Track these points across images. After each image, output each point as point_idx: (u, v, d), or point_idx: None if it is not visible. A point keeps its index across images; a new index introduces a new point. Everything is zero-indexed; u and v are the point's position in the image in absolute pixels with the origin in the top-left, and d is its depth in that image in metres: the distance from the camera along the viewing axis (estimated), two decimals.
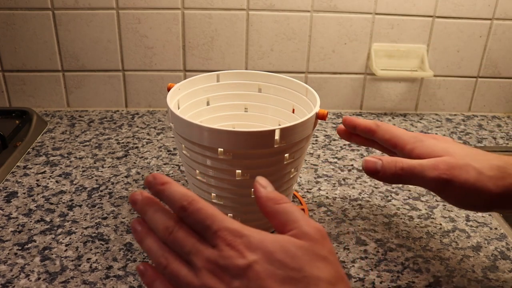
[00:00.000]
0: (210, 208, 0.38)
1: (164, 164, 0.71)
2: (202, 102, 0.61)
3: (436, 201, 0.65)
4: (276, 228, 0.39)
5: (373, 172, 0.46)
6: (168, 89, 0.56)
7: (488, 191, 0.43)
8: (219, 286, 0.35)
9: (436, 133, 0.84)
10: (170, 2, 0.81)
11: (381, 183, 0.68)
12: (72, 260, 0.52)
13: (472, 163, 0.44)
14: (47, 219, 0.59)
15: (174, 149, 0.76)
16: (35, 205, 0.61)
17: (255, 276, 0.34)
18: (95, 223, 0.58)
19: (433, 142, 0.47)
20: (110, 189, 0.65)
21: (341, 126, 0.55)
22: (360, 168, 0.72)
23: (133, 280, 0.50)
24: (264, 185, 0.41)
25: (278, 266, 0.35)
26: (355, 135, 0.54)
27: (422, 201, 0.65)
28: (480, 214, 0.62)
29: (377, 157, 0.46)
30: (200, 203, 0.38)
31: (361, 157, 0.75)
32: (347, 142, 0.79)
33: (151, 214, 0.40)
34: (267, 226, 0.57)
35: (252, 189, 0.51)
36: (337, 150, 0.77)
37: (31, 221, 0.58)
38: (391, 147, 0.50)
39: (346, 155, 0.75)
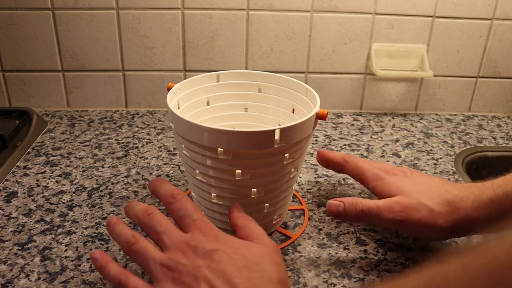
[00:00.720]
0: (194, 204, 0.46)
1: (164, 164, 0.71)
2: (202, 102, 0.61)
3: None
4: (241, 238, 0.46)
5: (335, 214, 0.51)
6: (168, 89, 0.56)
7: (439, 226, 0.48)
8: (183, 261, 0.41)
9: (436, 133, 0.84)
10: (170, 2, 0.81)
11: None
12: (72, 260, 0.52)
13: (424, 201, 0.48)
14: (47, 219, 0.59)
15: (174, 149, 0.76)
16: (35, 205, 0.61)
17: (218, 259, 0.41)
18: (95, 223, 0.58)
19: (391, 181, 0.52)
20: (110, 189, 0.65)
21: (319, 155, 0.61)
22: None
23: None
24: (238, 208, 0.50)
25: (240, 258, 0.41)
26: (328, 164, 0.60)
27: None
28: None
29: (339, 199, 0.51)
30: (188, 198, 0.46)
31: (361, 157, 0.75)
32: (347, 142, 0.79)
33: (135, 203, 0.48)
34: (267, 227, 0.57)
35: (252, 189, 0.51)
36: (337, 150, 0.77)
37: (31, 221, 0.58)
38: (359, 182, 0.56)
39: None
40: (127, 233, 0.45)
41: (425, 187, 0.50)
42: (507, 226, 0.27)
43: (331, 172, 0.70)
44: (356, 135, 0.82)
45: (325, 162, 0.59)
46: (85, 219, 0.59)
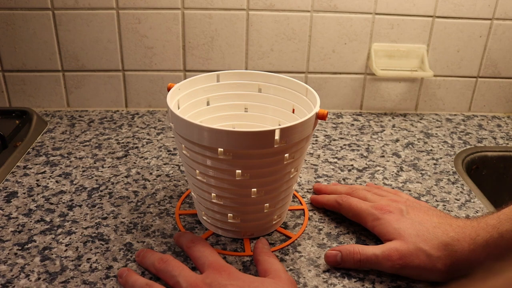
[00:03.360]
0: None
1: (164, 164, 0.71)
2: (202, 102, 0.61)
3: (436, 201, 0.65)
4: (260, 271, 0.49)
5: (334, 264, 0.52)
6: (168, 89, 0.56)
7: (437, 270, 0.49)
8: None
9: (436, 133, 0.84)
10: (170, 2, 0.81)
11: (380, 183, 0.68)
12: (72, 260, 0.52)
13: (421, 245, 0.49)
14: (47, 219, 0.59)
15: (174, 149, 0.76)
16: (35, 205, 0.61)
17: None
18: (95, 223, 0.58)
19: (389, 221, 0.53)
20: (110, 189, 0.65)
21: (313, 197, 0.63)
22: (360, 168, 0.72)
23: None
24: (263, 243, 0.54)
25: None
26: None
27: (422, 201, 0.65)
28: (480, 214, 0.62)
29: (337, 248, 0.52)
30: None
31: (361, 157, 0.75)
32: (347, 142, 0.79)
33: (149, 253, 0.51)
34: (266, 227, 0.57)
35: (252, 189, 0.51)
36: (337, 150, 0.77)
37: (31, 221, 0.58)
38: (356, 222, 0.57)
39: (346, 155, 0.75)
40: (141, 282, 0.47)
41: (422, 229, 0.51)
42: (504, 268, 0.28)
43: (331, 172, 0.70)
44: (356, 135, 0.82)
45: (321, 206, 0.62)
46: (85, 219, 0.59)
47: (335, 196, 0.60)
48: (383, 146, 0.79)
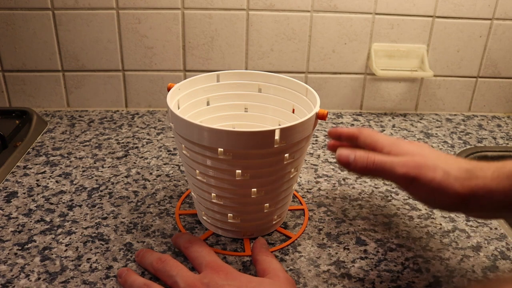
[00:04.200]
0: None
1: (164, 164, 0.71)
2: (202, 102, 0.61)
3: None
4: (259, 271, 0.49)
5: (345, 163, 0.48)
6: (168, 89, 0.56)
7: (453, 190, 0.44)
8: None
9: (436, 133, 0.84)
10: (170, 2, 0.81)
11: (381, 183, 0.68)
12: (72, 260, 0.52)
13: (441, 164, 0.45)
14: (47, 219, 0.59)
15: (174, 149, 0.76)
16: (35, 205, 0.61)
17: None
18: (95, 223, 0.58)
19: (408, 146, 0.49)
20: (110, 189, 0.65)
21: (330, 141, 0.57)
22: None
23: None
24: (262, 243, 0.54)
25: None
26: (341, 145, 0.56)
27: None
28: None
29: (352, 149, 0.48)
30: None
31: None
32: None
33: (148, 253, 0.52)
34: (266, 227, 0.57)
35: (252, 189, 0.51)
36: None
37: (31, 221, 0.58)
38: (372, 150, 0.51)
39: None
40: (139, 282, 0.48)
41: (444, 156, 0.47)
42: None
43: (331, 172, 0.70)
44: None
45: (338, 137, 0.56)
46: (85, 219, 0.59)
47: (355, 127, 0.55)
48: None
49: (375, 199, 0.65)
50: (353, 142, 0.54)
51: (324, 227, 0.59)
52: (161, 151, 0.75)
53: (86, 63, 0.85)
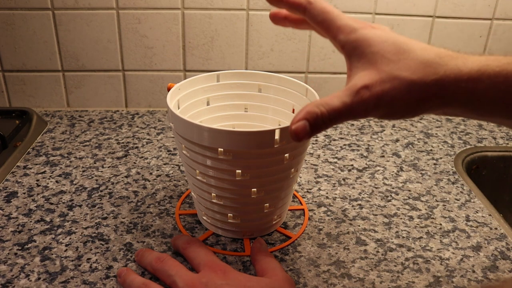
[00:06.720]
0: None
1: (164, 164, 0.71)
2: (202, 102, 0.61)
3: (436, 201, 0.65)
4: (258, 270, 0.50)
5: (307, 137, 0.39)
6: (168, 89, 0.56)
7: (417, 94, 0.38)
8: None
9: (436, 133, 0.84)
10: (170, 2, 0.81)
11: (380, 183, 0.68)
12: (72, 260, 0.52)
13: (397, 72, 0.38)
14: (47, 219, 0.59)
15: (174, 149, 0.76)
16: (35, 205, 0.61)
17: None
18: (95, 223, 0.58)
19: (367, 37, 0.41)
20: (110, 189, 0.65)
21: (272, 11, 0.47)
22: (360, 168, 0.72)
23: None
24: (261, 243, 0.54)
25: None
26: (285, 17, 0.49)
27: (422, 201, 0.65)
28: (480, 214, 0.62)
29: (300, 117, 0.39)
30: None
31: (361, 157, 0.75)
32: (347, 142, 0.79)
33: (147, 252, 0.52)
34: (266, 227, 0.57)
35: (252, 189, 0.51)
36: (337, 150, 0.77)
37: (31, 221, 0.58)
38: (323, 33, 0.44)
39: (346, 155, 0.75)
40: (138, 281, 0.48)
41: (402, 47, 0.39)
42: None
43: (331, 172, 0.70)
44: (356, 135, 0.82)
45: (278, 2, 0.47)
46: (85, 219, 0.59)
47: None
48: (383, 146, 0.79)
49: (375, 199, 0.65)
50: (300, 14, 0.46)
51: (324, 227, 0.59)
52: (161, 151, 0.75)
53: (86, 63, 0.85)
